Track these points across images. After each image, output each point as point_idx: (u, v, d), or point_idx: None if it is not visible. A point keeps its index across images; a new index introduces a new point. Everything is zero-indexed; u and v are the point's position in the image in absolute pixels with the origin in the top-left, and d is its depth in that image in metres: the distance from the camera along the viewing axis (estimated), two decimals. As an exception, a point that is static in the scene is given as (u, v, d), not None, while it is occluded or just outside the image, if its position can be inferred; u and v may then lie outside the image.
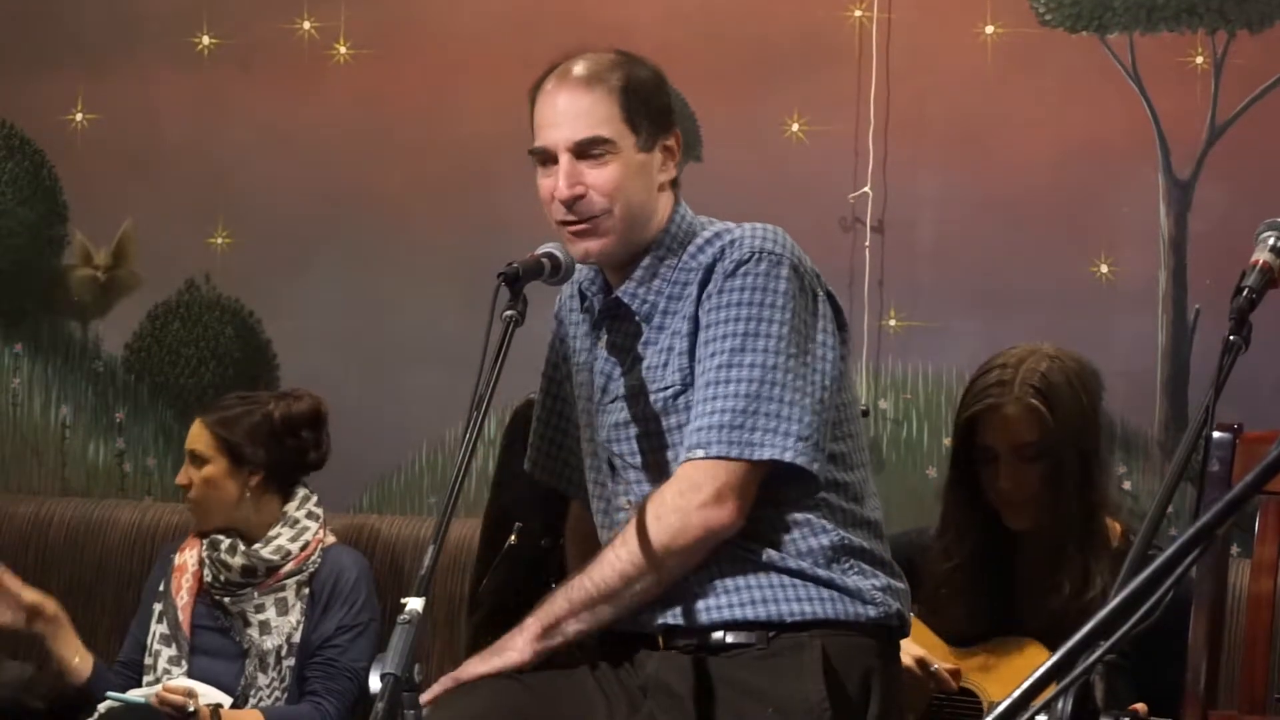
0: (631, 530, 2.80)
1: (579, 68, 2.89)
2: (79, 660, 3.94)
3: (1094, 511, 3.41)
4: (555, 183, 2.86)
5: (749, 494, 2.81)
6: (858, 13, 4.48)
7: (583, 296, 3.02)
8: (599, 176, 2.86)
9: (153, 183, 4.95)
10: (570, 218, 2.86)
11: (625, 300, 2.93)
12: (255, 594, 3.92)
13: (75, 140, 5.01)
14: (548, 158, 2.88)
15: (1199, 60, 4.30)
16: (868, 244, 4.46)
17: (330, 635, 3.90)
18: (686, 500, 2.78)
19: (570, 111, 2.86)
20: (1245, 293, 2.45)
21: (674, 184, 2.96)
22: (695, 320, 2.87)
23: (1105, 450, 3.55)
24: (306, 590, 3.93)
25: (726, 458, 2.79)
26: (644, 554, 2.78)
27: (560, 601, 2.82)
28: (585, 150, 2.86)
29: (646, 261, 2.92)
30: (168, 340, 4.97)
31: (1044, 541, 3.40)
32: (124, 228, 4.99)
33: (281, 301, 4.89)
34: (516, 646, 2.82)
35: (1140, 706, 3.13)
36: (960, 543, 3.45)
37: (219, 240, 4.91)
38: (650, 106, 2.91)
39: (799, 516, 2.86)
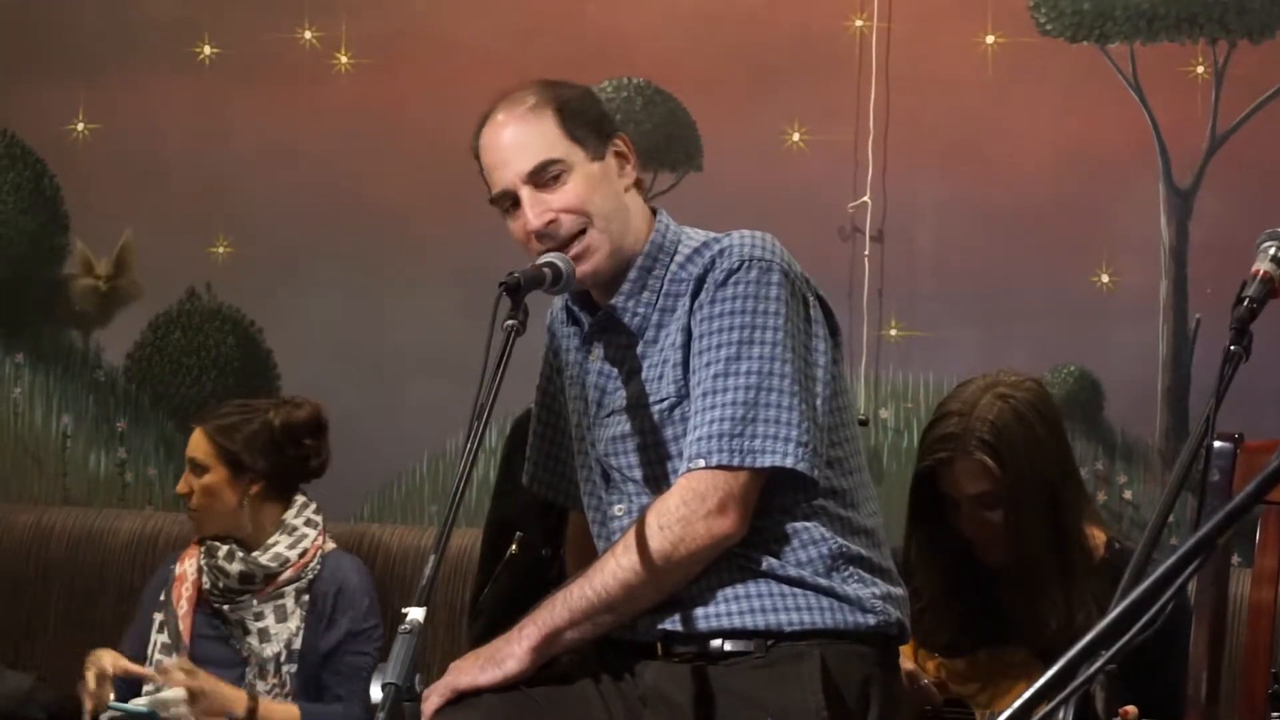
0: (633, 539, 2.79)
1: (509, 107, 2.90)
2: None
3: (1069, 537, 3.37)
4: (524, 220, 2.86)
5: (751, 502, 2.81)
6: (858, 22, 4.49)
7: (570, 313, 3.02)
8: (561, 198, 2.86)
9: (154, 192, 4.95)
10: (550, 246, 2.85)
11: (617, 314, 2.92)
12: (254, 601, 3.92)
13: (76, 150, 5.01)
14: (508, 200, 2.88)
15: (1199, 70, 4.31)
16: (867, 253, 4.46)
17: (341, 640, 3.91)
18: (691, 510, 2.78)
19: (513, 146, 2.87)
20: (1246, 302, 2.45)
21: (639, 186, 2.97)
22: (688, 332, 2.86)
23: (1077, 472, 3.52)
24: (306, 597, 3.93)
25: (729, 467, 2.78)
26: (645, 563, 2.77)
27: (560, 609, 2.82)
28: (540, 177, 2.85)
29: (634, 274, 2.91)
30: (169, 350, 4.97)
31: (1020, 578, 3.38)
32: (125, 237, 4.99)
33: (283, 311, 4.90)
34: (515, 655, 2.82)
35: (1130, 709, 3.13)
36: (930, 586, 3.43)
37: (220, 250, 4.92)
38: (587, 117, 2.92)
39: (797, 525, 2.86)
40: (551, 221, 2.85)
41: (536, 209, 2.84)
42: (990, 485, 3.34)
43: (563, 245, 2.85)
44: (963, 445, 3.33)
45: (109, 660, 3.78)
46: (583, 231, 2.86)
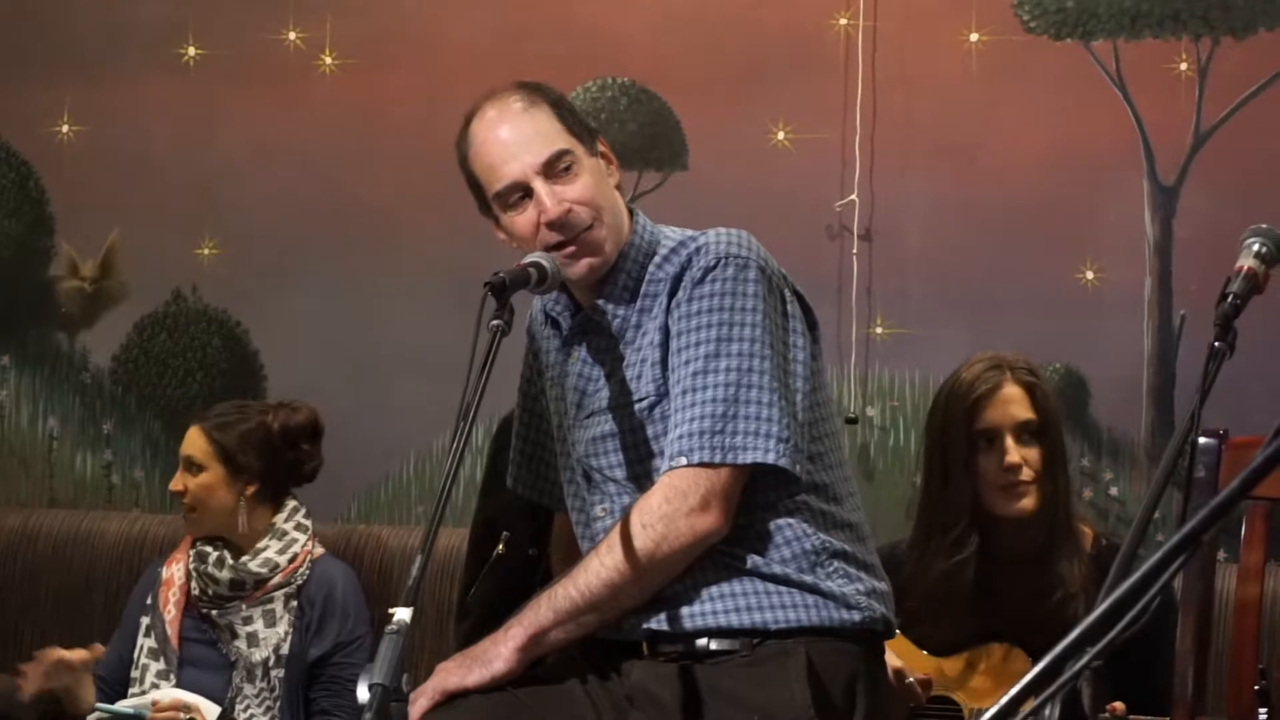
0: (616, 538, 2.79)
1: (500, 104, 2.88)
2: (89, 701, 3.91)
3: (1070, 512, 3.44)
4: (536, 212, 2.84)
5: (734, 499, 2.81)
6: (843, 21, 4.49)
7: (549, 314, 3.01)
8: (574, 190, 2.85)
9: (140, 194, 4.95)
10: (562, 238, 2.84)
11: (597, 316, 2.92)
12: (243, 606, 3.91)
13: (62, 151, 5.00)
14: (517, 192, 2.85)
15: (1183, 67, 4.31)
16: (855, 252, 4.47)
17: (329, 652, 3.90)
18: (673, 508, 2.78)
19: (519, 140, 2.85)
20: (1230, 298, 2.46)
21: (619, 189, 2.97)
22: (666, 331, 2.86)
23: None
24: (295, 603, 3.92)
25: (711, 464, 2.79)
26: (629, 561, 2.77)
27: (545, 610, 2.82)
28: (553, 168, 2.84)
29: (619, 275, 2.91)
30: (155, 351, 4.97)
31: (1026, 543, 3.41)
32: (111, 239, 4.98)
33: (269, 312, 4.89)
34: (502, 655, 2.82)
35: (1118, 705, 3.14)
36: (946, 544, 3.45)
37: (206, 251, 4.91)
38: (576, 114, 2.93)
39: (780, 521, 2.86)
40: (568, 211, 2.84)
41: (555, 197, 2.83)
42: (1035, 413, 3.44)
43: (575, 237, 2.84)
44: (1009, 373, 3.46)
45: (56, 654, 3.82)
46: (590, 225, 2.86)
